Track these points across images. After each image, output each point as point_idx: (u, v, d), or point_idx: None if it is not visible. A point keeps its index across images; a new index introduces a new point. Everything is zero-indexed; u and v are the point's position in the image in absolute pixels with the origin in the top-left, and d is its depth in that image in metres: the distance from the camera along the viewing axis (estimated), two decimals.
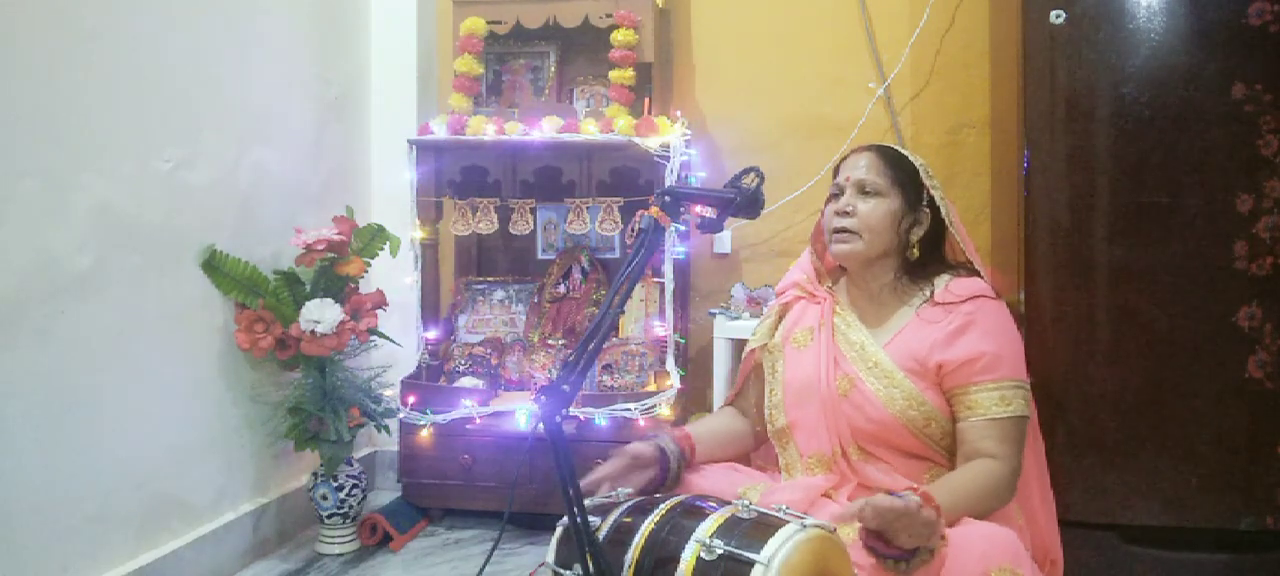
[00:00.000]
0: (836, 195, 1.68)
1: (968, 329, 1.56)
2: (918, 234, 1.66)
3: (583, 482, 1.40)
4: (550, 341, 2.92)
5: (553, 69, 3.08)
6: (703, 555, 1.27)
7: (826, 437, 1.62)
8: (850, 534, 1.38)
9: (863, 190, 1.64)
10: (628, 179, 2.74)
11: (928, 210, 1.66)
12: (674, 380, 2.66)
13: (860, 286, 1.71)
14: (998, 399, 1.52)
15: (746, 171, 1.49)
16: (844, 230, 1.64)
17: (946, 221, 1.67)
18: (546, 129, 2.71)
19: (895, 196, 1.64)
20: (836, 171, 1.72)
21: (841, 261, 1.70)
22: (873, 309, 1.69)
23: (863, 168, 1.65)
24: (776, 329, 1.78)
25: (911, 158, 1.68)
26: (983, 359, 1.54)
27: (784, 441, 1.69)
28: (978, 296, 1.59)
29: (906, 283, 1.67)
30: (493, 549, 1.79)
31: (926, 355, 1.57)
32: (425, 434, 2.66)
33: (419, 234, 2.78)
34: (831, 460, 1.61)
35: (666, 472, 1.60)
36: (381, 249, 2.60)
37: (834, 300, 1.72)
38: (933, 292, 1.62)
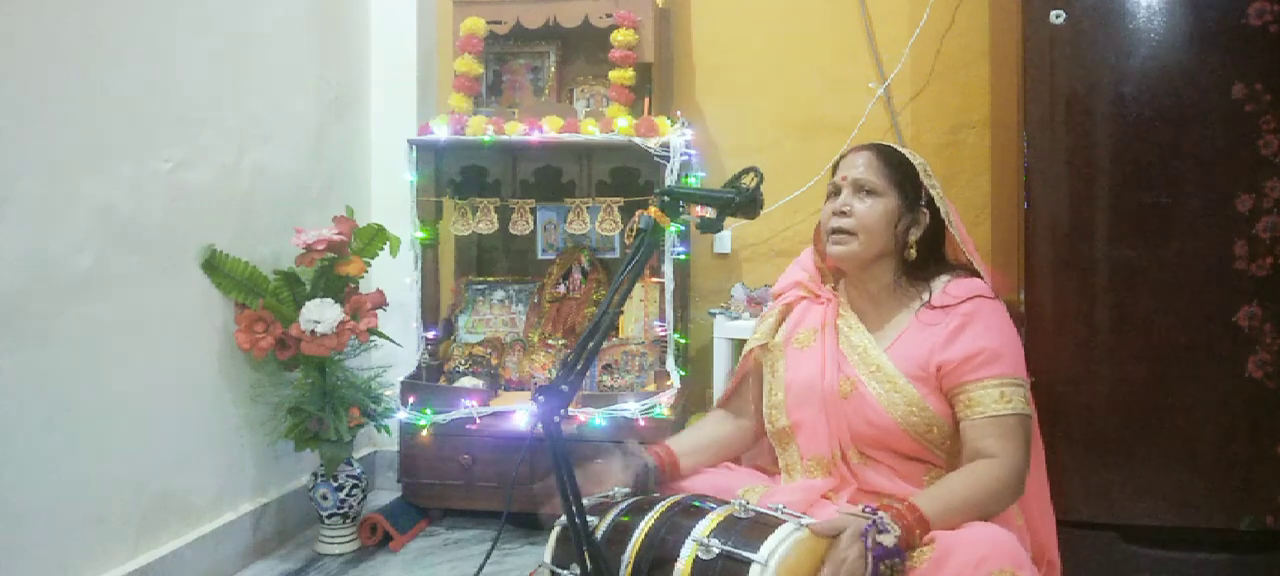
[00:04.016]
0: (834, 194, 1.68)
1: (966, 327, 1.55)
2: (915, 234, 1.65)
3: (539, 487, 1.40)
4: (550, 341, 2.92)
5: (553, 69, 3.09)
6: (700, 554, 1.28)
7: (827, 440, 1.61)
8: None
9: (860, 189, 1.64)
10: (628, 179, 2.74)
11: (926, 210, 1.65)
12: (674, 380, 2.65)
13: (859, 288, 1.70)
14: (997, 396, 1.52)
15: (746, 171, 1.49)
16: (840, 230, 1.64)
17: (946, 221, 1.66)
18: (546, 129, 2.71)
19: (892, 196, 1.63)
20: (835, 170, 1.71)
21: (838, 263, 1.69)
22: (873, 311, 1.68)
23: (860, 167, 1.65)
24: (778, 329, 1.77)
25: (911, 157, 1.67)
26: (981, 355, 1.53)
27: (785, 442, 1.68)
28: (975, 296, 1.58)
29: (905, 284, 1.66)
30: (491, 548, 1.78)
31: (927, 359, 1.56)
32: (425, 434, 2.66)
33: (419, 234, 2.78)
34: (831, 463, 1.61)
35: (641, 478, 1.58)
36: (381, 249, 2.61)
37: (838, 301, 1.72)
38: (930, 295, 1.62)
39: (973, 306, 1.57)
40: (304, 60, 2.76)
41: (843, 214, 1.63)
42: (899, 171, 1.64)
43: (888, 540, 1.30)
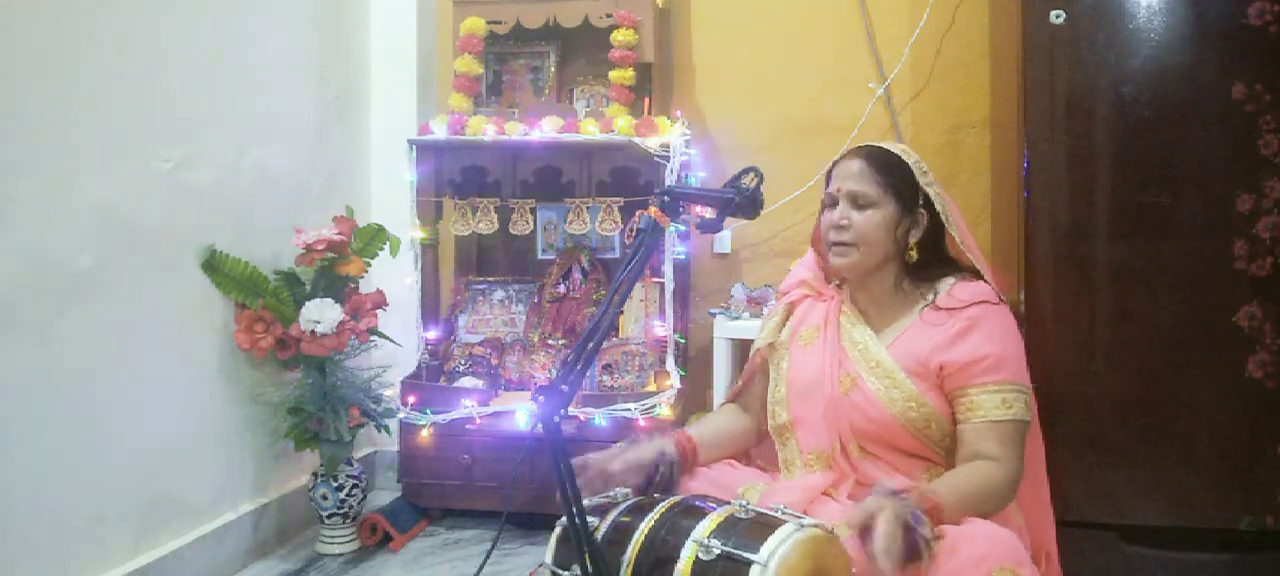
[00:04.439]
0: (831, 204, 1.67)
1: (971, 331, 1.56)
2: (915, 237, 1.65)
3: (576, 461, 1.40)
4: (550, 341, 2.92)
5: (553, 69, 3.09)
6: (701, 555, 1.28)
7: (827, 435, 1.62)
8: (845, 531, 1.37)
9: (856, 203, 1.63)
10: (628, 179, 2.74)
11: (924, 211, 1.65)
12: (674, 380, 2.66)
13: (862, 292, 1.71)
14: (999, 402, 1.52)
15: (746, 171, 1.49)
16: (841, 243, 1.64)
17: (944, 219, 1.65)
18: (546, 129, 2.71)
19: (889, 203, 1.63)
20: (829, 177, 1.70)
21: (841, 273, 1.70)
22: (876, 310, 1.69)
23: (854, 178, 1.63)
24: (783, 327, 1.78)
25: (904, 156, 1.65)
26: (986, 360, 1.54)
27: (785, 437, 1.69)
28: (981, 301, 1.58)
29: (908, 285, 1.67)
30: (491, 548, 1.79)
31: (928, 356, 1.57)
32: (425, 434, 2.66)
33: (419, 234, 2.78)
34: (831, 457, 1.61)
35: (655, 475, 1.60)
36: (381, 249, 2.61)
37: (840, 299, 1.72)
38: (935, 297, 1.62)
39: (978, 311, 1.57)
40: (304, 60, 2.76)
41: (841, 226, 1.63)
42: (894, 176, 1.64)
43: (924, 530, 1.30)
